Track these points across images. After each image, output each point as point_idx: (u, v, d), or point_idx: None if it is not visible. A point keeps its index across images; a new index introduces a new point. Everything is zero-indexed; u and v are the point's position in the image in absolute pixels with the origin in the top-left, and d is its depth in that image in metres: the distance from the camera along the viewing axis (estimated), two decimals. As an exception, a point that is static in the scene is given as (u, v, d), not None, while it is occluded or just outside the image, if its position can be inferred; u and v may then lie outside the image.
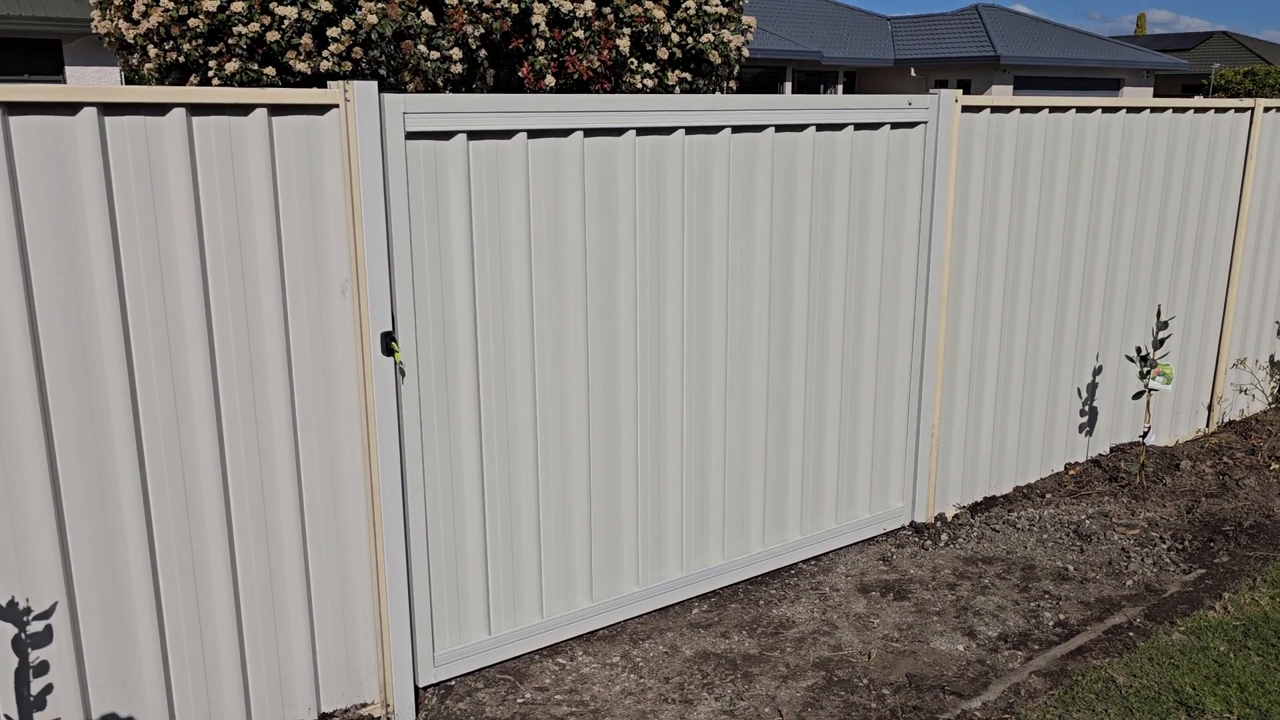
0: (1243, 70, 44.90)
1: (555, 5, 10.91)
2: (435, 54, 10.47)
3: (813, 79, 37.27)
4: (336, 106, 4.46)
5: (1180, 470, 7.96)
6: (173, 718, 4.49)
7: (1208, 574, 6.33)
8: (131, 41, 10.78)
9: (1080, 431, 8.01)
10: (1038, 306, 7.38)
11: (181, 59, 10.40)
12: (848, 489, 6.71)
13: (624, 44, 11.29)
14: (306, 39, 10.09)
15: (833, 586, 6.27)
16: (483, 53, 11.05)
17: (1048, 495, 7.52)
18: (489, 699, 5.15)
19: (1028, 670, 5.30)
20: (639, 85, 11.76)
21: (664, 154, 5.44)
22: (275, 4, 10.01)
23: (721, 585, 6.23)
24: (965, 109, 6.57)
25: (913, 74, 37.88)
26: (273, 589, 4.69)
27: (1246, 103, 8.36)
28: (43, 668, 4.16)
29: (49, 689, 4.18)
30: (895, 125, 6.32)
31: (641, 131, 5.34)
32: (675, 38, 11.84)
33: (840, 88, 37.97)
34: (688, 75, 12.30)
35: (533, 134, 5.01)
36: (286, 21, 9.98)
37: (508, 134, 4.94)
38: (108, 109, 3.99)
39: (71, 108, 3.92)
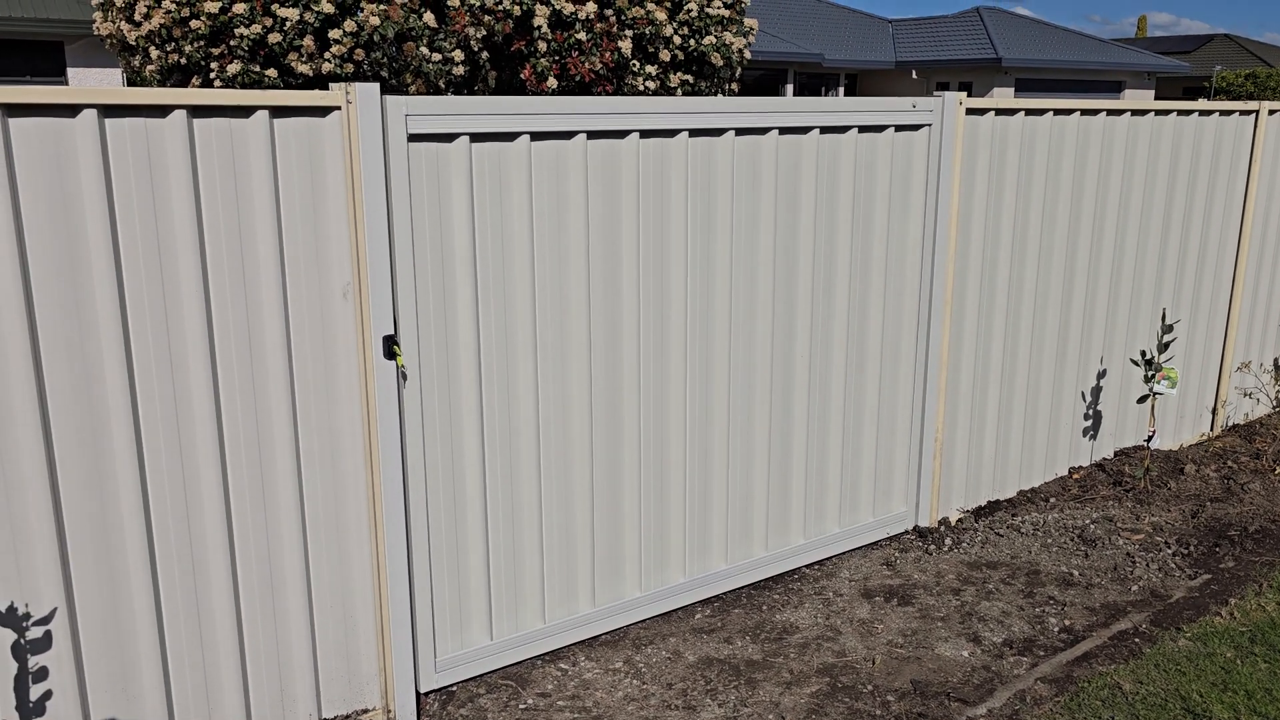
0: (1244, 73, 44.88)
1: (557, 7, 10.88)
2: (437, 56, 10.45)
3: (814, 81, 37.25)
4: (338, 108, 4.43)
5: (1185, 474, 7.92)
6: (173, 724, 4.47)
7: (1213, 579, 6.29)
8: (133, 43, 10.76)
9: (1084, 435, 7.98)
10: (1042, 309, 7.35)
11: (183, 61, 10.38)
12: (851, 492, 6.68)
13: (626, 46, 11.27)
14: (308, 41, 10.06)
15: (836, 591, 6.24)
16: (485, 55, 11.02)
17: (1052, 499, 7.49)
18: (491, 705, 5.12)
19: (1033, 677, 5.27)
20: (641, 87, 11.74)
21: (668, 157, 5.41)
22: (277, 6, 9.99)
23: (724, 590, 6.20)
24: (969, 111, 6.54)
25: (914, 76, 37.85)
26: (273, 593, 4.66)
27: (1251, 105, 8.33)
28: (42, 673, 4.13)
29: (48, 695, 4.15)
30: (899, 128, 6.29)
31: (645, 134, 5.31)
32: (677, 40, 11.82)
33: (841, 90, 37.95)
34: (690, 77, 12.28)
35: (536, 136, 4.98)
36: (288, 23, 9.96)
37: (511, 136, 4.91)
38: (108, 111, 3.96)
39: (71, 109, 3.89)
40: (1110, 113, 7.34)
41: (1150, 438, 7.69)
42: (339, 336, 4.62)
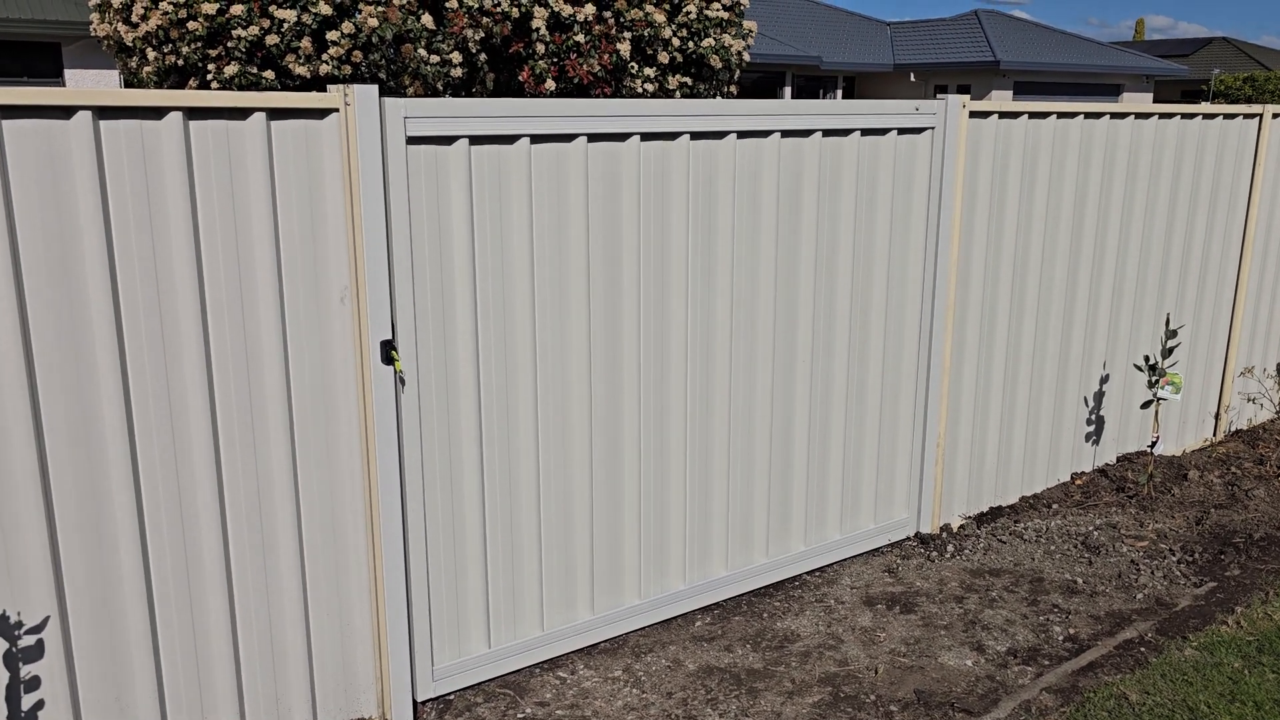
0: (1242, 76, 44.89)
1: (556, 9, 10.84)
2: (435, 58, 10.40)
3: (812, 84, 37.21)
4: (336, 111, 4.38)
5: (1188, 480, 7.87)
6: (167, 734, 4.41)
7: (1219, 587, 6.24)
8: (130, 44, 10.71)
9: (1087, 441, 7.93)
10: (1044, 314, 7.29)
11: (180, 62, 10.33)
12: (852, 498, 6.63)
13: (624, 48, 11.22)
14: (306, 42, 10.01)
15: (838, 599, 6.18)
16: (483, 57, 10.97)
17: (1054, 506, 7.43)
18: (489, 714, 5.06)
19: (1038, 687, 5.21)
20: (639, 90, 11.69)
21: (669, 160, 5.35)
22: (275, 7, 9.94)
23: (725, 597, 6.14)
24: (973, 115, 6.49)
25: (912, 79, 37.83)
26: (269, 600, 4.60)
27: (1255, 109, 8.28)
28: (34, 683, 4.07)
29: (40, 705, 4.09)
30: (902, 131, 6.24)
31: (646, 137, 5.26)
32: (676, 42, 11.77)
33: (840, 93, 37.91)
34: (688, 80, 12.23)
35: (536, 139, 4.92)
36: (286, 25, 9.91)
37: (510, 139, 4.85)
38: (103, 112, 3.91)
39: (66, 111, 3.84)
40: (1114, 116, 7.29)
41: (1154, 443, 7.64)
42: (336, 341, 4.56)
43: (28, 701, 4.05)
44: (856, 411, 6.48)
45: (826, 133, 5.92)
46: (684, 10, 11.88)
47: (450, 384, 4.89)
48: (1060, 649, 5.61)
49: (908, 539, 6.96)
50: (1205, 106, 7.91)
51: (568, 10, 10.89)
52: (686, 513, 5.87)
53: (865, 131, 6.08)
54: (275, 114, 4.26)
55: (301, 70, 10.14)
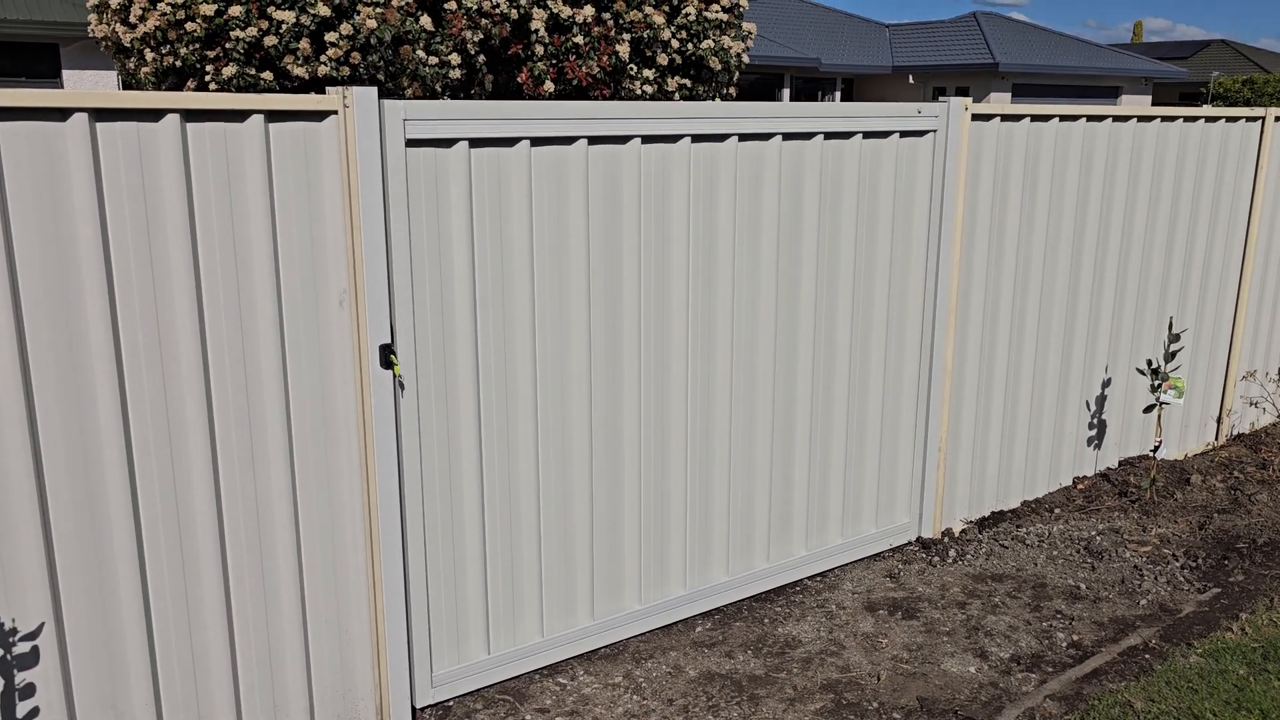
0: (1241, 79, 44.92)
1: (555, 10, 10.80)
2: (434, 59, 10.36)
3: (810, 86, 37.20)
4: (335, 113, 4.34)
5: (1191, 485, 7.83)
6: (163, 743, 4.36)
7: (1223, 593, 6.20)
8: (128, 45, 10.67)
9: (1089, 445, 7.89)
10: (1047, 317, 7.26)
11: (178, 63, 10.29)
12: (854, 503, 6.59)
13: (624, 50, 11.19)
14: (304, 44, 9.97)
15: (839, 604, 6.14)
16: (481, 58, 10.93)
17: (1056, 510, 7.40)
18: (489, 721, 5.02)
19: (1042, 694, 5.17)
20: (638, 91, 11.66)
21: (669, 163, 5.31)
22: (273, 9, 9.90)
23: (725, 602, 6.10)
24: (975, 117, 6.45)
25: (911, 81, 37.83)
26: (266, 606, 4.56)
27: (1258, 111, 8.25)
28: (29, 690, 4.03)
29: (35, 712, 4.04)
30: (904, 134, 6.20)
31: (647, 139, 5.22)
32: (675, 44, 11.74)
33: (838, 95, 37.89)
34: (687, 81, 12.20)
35: (536, 141, 4.88)
36: (284, 26, 9.87)
37: (510, 141, 4.81)
38: (99, 114, 3.86)
39: (62, 113, 3.79)
40: (1116, 119, 7.25)
41: (1157, 448, 7.60)
42: (335, 345, 4.52)
43: (23, 709, 4.01)
44: (858, 414, 6.44)
45: (828, 135, 5.88)
46: (683, 12, 11.85)
47: (449, 388, 4.85)
48: (1064, 656, 5.57)
49: (909, 543, 6.92)
50: (1207, 109, 7.87)
51: (567, 12, 10.85)
52: (687, 517, 5.83)
53: (867, 134, 6.04)
54: (273, 116, 4.22)
55: (300, 71, 10.10)
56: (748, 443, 5.96)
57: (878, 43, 39.46)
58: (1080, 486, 7.77)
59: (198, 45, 10.05)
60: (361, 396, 4.60)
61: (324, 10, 9.88)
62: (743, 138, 5.54)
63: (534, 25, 10.71)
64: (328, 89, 4.38)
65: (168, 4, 9.93)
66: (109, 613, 4.15)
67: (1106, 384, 7.85)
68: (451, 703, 5.16)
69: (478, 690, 5.26)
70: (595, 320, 5.23)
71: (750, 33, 12.84)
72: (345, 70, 10.17)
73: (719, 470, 5.89)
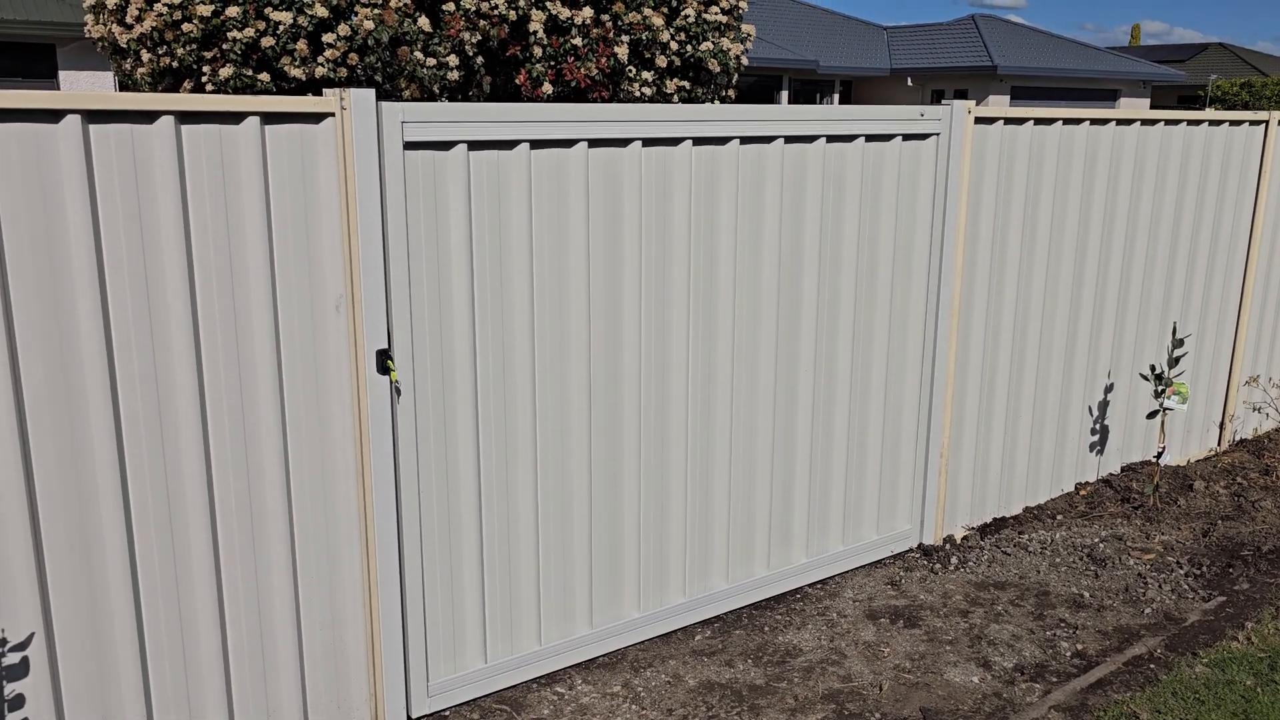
0: (1239, 82, 44.89)
1: (553, 12, 10.73)
2: (432, 61, 10.30)
3: (809, 88, 37.13)
4: (332, 115, 4.28)
5: (1194, 491, 7.78)
6: (155, 754, 4.30)
7: (1228, 602, 6.14)
8: (125, 46, 10.60)
9: (1091, 450, 7.83)
10: (1049, 322, 7.20)
11: (175, 64, 10.22)
12: (855, 509, 6.53)
13: (622, 52, 11.12)
14: (302, 45, 9.90)
15: (840, 612, 6.08)
16: (479, 60, 10.87)
17: (1059, 516, 7.33)
18: (486, 732, 4.96)
19: (1046, 705, 5.10)
20: (637, 93, 11.59)
21: (670, 166, 5.25)
22: (270, 9, 9.83)
23: (725, 610, 6.04)
24: (978, 120, 6.39)
25: (909, 83, 37.76)
26: (260, 615, 4.49)
27: (1261, 115, 8.20)
28: (19, 701, 3.97)
29: (25, 724, 3.99)
30: (907, 137, 6.14)
31: (648, 142, 5.16)
32: (674, 46, 11.67)
33: (836, 97, 37.83)
34: (686, 83, 12.13)
35: (536, 144, 4.82)
36: (281, 27, 9.80)
37: (509, 144, 4.75)
38: (92, 116, 3.80)
39: (54, 115, 3.73)
40: (1120, 122, 7.20)
41: (1161, 454, 7.54)
42: (331, 350, 4.46)
43: (12, 721, 3.95)
44: (859, 419, 6.38)
45: (830, 139, 5.82)
46: (682, 14, 11.78)
47: (447, 393, 4.79)
48: (1068, 665, 5.51)
49: (910, 550, 6.86)
50: (1210, 113, 7.82)
51: (565, 13, 10.78)
52: (687, 524, 5.76)
53: (870, 138, 5.98)
54: (269, 118, 4.16)
55: (297, 73, 10.04)
56: (748, 447, 5.90)
57: (875, 45, 39.40)
58: (1083, 492, 7.71)
59: (194, 46, 9.98)
60: (358, 402, 4.54)
61: (321, 11, 9.81)
62: (744, 140, 5.49)
63: (532, 27, 10.64)
64: (325, 90, 4.32)
65: (164, 4, 9.86)
66: (100, 623, 4.09)
67: (1109, 389, 7.80)
68: (448, 712, 5.10)
69: (474, 699, 5.19)
70: (595, 324, 5.17)
71: (749, 35, 12.78)
72: (343, 72, 10.10)
73: (719, 475, 5.83)
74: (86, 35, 11.48)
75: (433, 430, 4.78)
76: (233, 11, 9.70)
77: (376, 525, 4.65)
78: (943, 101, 6.32)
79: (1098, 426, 7.81)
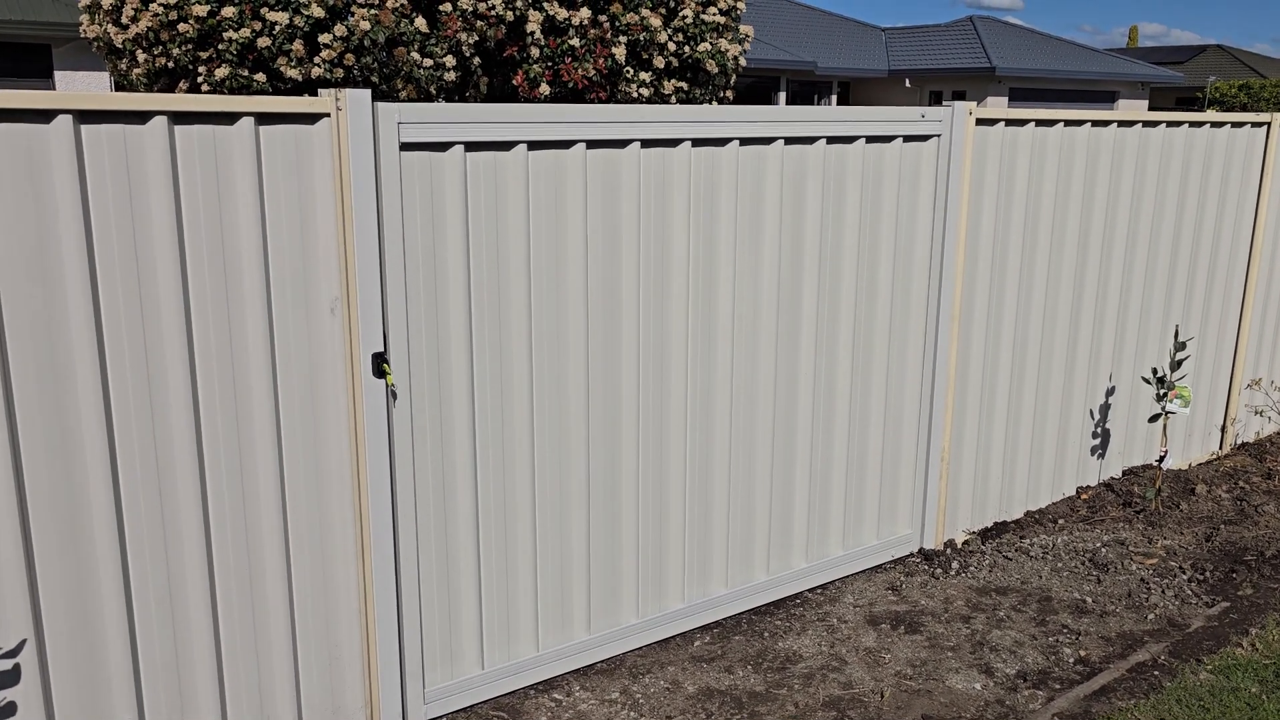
0: (1237, 83, 44.91)
1: (550, 13, 10.69)
2: (428, 61, 10.25)
3: (806, 89, 37.08)
4: (328, 115, 4.22)
5: (1196, 495, 7.73)
6: (148, 763, 4.24)
7: (1232, 607, 6.08)
8: (120, 46, 10.55)
9: (1092, 454, 7.78)
10: (1050, 325, 7.15)
11: (171, 64, 10.17)
12: (855, 514, 6.47)
13: (620, 52, 11.08)
14: (298, 45, 9.85)
15: (840, 618, 6.03)
16: (476, 60, 10.82)
17: (1060, 521, 7.28)
18: (483, 739, 4.90)
19: (1049, 712, 5.05)
20: (635, 94, 11.55)
21: (669, 167, 5.20)
22: (266, 10, 9.78)
23: (725, 616, 5.99)
24: (979, 122, 6.34)
25: (907, 84, 37.72)
26: (254, 621, 4.44)
27: (1264, 117, 8.15)
28: (9, 709, 3.91)
29: (15, 733, 3.93)
30: (908, 138, 6.09)
31: (646, 143, 5.11)
32: (672, 46, 11.62)
33: (834, 98, 37.79)
34: (684, 84, 12.08)
35: (533, 145, 4.77)
36: (278, 27, 9.75)
37: (507, 145, 4.70)
38: (84, 116, 3.75)
39: (45, 115, 3.68)
40: (1121, 124, 7.15)
41: (1163, 458, 7.49)
42: (326, 353, 4.40)
43: (2, 730, 3.90)
44: (859, 423, 6.33)
45: (830, 140, 5.77)
46: (680, 15, 11.74)
47: (444, 397, 4.74)
48: (1071, 672, 5.45)
49: (911, 555, 6.81)
50: (1212, 115, 7.78)
51: (562, 14, 10.74)
52: (686, 529, 5.71)
53: (870, 139, 5.93)
54: (264, 119, 4.10)
55: (293, 73, 9.98)
56: (748, 449, 5.85)
57: (874, 46, 39.36)
58: (1084, 496, 7.66)
59: (190, 46, 9.93)
60: (353, 405, 4.48)
61: (318, 12, 9.76)
62: (744, 142, 5.43)
63: (530, 27, 10.59)
64: (320, 91, 4.27)
65: (160, 5, 9.81)
66: (92, 631, 4.04)
67: (1110, 392, 7.75)
68: (445, 719, 5.04)
69: (471, 706, 5.14)
70: (593, 327, 5.12)
71: (747, 36, 12.74)
72: (339, 72, 10.05)
73: (718, 477, 5.78)
74: (82, 35, 11.42)
75: (429, 434, 4.73)
76: (229, 12, 9.65)
77: (372, 530, 4.59)
78: (943, 102, 6.28)
79: (1099, 430, 7.76)
